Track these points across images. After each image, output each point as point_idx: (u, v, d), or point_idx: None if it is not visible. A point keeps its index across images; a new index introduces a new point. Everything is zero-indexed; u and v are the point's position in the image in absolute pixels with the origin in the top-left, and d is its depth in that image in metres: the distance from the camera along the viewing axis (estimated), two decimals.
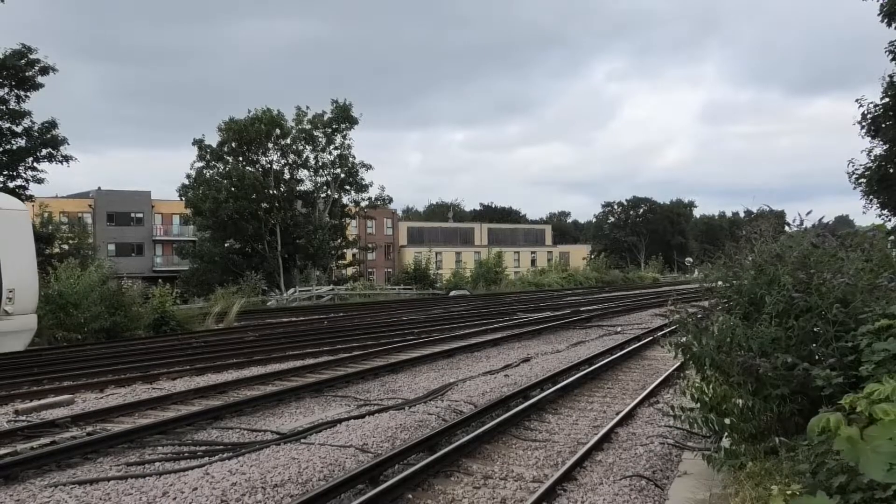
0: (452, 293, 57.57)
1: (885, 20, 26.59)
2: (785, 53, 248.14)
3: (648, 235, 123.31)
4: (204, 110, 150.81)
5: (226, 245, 57.50)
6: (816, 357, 6.23)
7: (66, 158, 37.52)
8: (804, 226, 8.24)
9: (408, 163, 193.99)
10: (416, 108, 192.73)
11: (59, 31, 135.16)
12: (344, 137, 58.88)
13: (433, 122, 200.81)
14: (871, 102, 27.34)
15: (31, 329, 17.21)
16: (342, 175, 59.63)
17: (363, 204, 62.20)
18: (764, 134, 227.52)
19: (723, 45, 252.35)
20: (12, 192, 31.93)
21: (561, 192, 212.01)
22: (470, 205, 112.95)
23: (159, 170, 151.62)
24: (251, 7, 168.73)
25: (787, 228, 8.75)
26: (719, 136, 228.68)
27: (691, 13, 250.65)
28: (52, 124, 37.04)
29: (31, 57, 35.59)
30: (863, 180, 28.46)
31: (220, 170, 56.31)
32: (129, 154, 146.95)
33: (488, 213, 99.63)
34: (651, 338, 21.10)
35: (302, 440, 9.87)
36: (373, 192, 61.40)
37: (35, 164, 37.22)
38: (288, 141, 57.72)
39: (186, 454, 9.39)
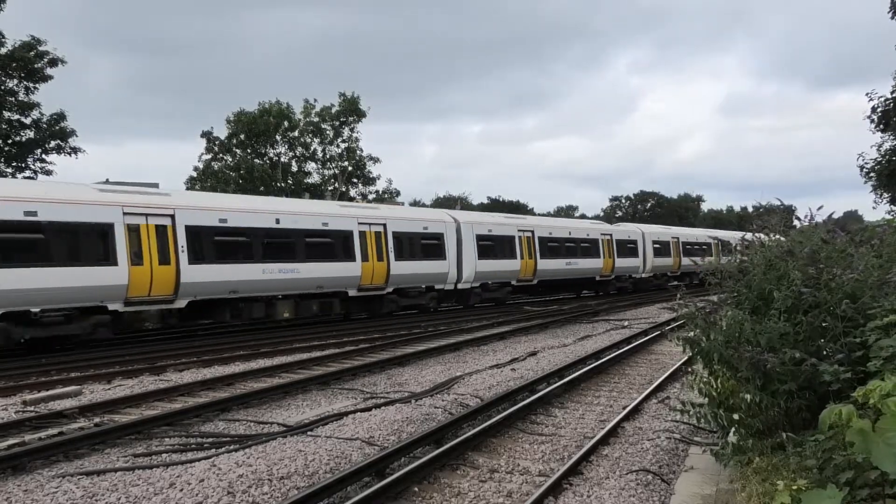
0: None
1: (895, 16, 26.36)
2: (810, 46, 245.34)
3: None
4: (220, 102, 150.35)
5: None
6: (824, 352, 6.20)
7: (75, 150, 37.59)
8: (814, 221, 8.20)
9: (423, 155, 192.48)
10: (435, 101, 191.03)
11: (80, 21, 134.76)
12: (352, 130, 58.92)
13: (451, 114, 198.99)
14: (882, 96, 27.14)
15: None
16: (350, 168, 59.68)
17: (370, 197, 62.23)
18: (783, 128, 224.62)
19: (748, 37, 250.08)
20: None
21: (573, 186, 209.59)
22: (478, 198, 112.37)
23: (174, 161, 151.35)
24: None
25: (796, 223, 8.71)
26: (738, 129, 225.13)
27: (718, 4, 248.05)
28: (61, 116, 37.05)
29: (41, 49, 35.59)
30: (872, 174, 28.31)
31: (229, 162, 56.39)
32: (146, 146, 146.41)
33: (495, 207, 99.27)
34: (658, 332, 21.07)
35: (308, 433, 9.89)
36: (380, 185, 61.54)
37: (43, 156, 37.34)
38: (296, 134, 57.77)
39: (193, 446, 9.43)
